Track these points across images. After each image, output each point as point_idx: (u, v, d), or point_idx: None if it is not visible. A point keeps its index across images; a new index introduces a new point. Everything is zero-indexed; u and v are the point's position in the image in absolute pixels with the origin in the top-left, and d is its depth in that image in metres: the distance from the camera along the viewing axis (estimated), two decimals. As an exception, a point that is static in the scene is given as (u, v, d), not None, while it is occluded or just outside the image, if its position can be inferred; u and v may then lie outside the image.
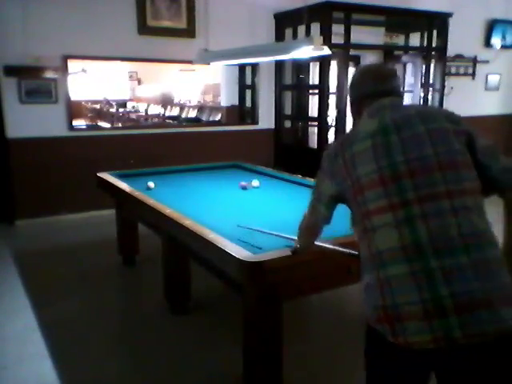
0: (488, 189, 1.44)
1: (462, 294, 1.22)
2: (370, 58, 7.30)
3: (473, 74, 8.25)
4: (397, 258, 1.30)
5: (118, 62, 6.11)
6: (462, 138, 1.41)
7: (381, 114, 1.45)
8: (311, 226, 1.72)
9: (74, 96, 5.56)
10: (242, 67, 6.66)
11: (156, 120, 10.05)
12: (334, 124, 6.31)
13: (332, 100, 6.13)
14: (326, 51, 3.06)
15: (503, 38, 8.29)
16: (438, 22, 6.53)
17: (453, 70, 7.86)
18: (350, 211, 1.49)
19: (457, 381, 1.32)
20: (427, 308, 1.23)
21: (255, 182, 3.68)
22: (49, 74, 5.15)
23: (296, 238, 1.90)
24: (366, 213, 1.38)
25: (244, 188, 3.59)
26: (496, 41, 8.20)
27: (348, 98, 1.67)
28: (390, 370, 1.40)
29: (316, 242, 1.89)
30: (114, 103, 10.88)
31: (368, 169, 1.37)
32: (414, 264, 1.27)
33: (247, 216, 2.92)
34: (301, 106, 6.62)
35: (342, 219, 2.86)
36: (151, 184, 3.58)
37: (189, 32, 5.75)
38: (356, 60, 7.33)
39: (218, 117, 8.17)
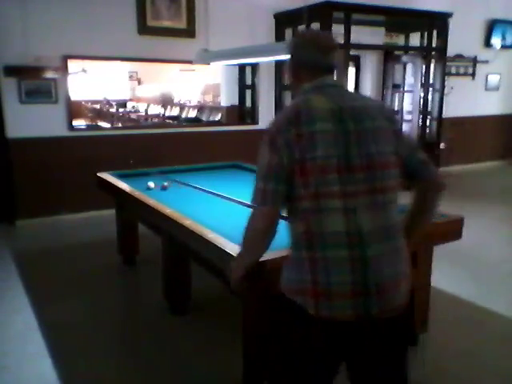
0: (408, 180, 1.59)
1: (383, 278, 1.43)
2: (369, 58, 7.31)
3: (473, 74, 8.25)
4: (339, 242, 1.41)
5: (118, 62, 6.11)
6: (393, 136, 1.51)
7: (330, 95, 1.49)
8: (271, 219, 1.49)
9: (74, 96, 5.57)
10: (241, 67, 6.66)
11: (156, 120, 10.05)
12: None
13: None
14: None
15: (503, 37, 8.30)
16: (437, 22, 6.53)
17: (453, 70, 7.87)
18: (279, 184, 1.44)
19: (366, 350, 1.49)
20: (356, 289, 1.40)
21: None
22: (49, 74, 5.14)
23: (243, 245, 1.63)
24: (314, 194, 1.41)
25: (165, 188, 3.56)
26: (496, 41, 8.20)
27: (288, 62, 1.61)
28: (305, 340, 1.49)
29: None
30: (114, 103, 10.88)
31: (327, 152, 1.40)
32: (353, 250, 1.40)
33: (247, 215, 2.92)
34: (301, 106, 6.62)
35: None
36: (151, 184, 3.59)
37: (189, 32, 5.75)
38: (356, 60, 7.34)
39: (218, 117, 8.17)
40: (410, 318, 1.51)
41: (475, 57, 8.16)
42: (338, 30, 5.74)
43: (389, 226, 1.46)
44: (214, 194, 2.93)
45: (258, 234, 1.55)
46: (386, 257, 1.44)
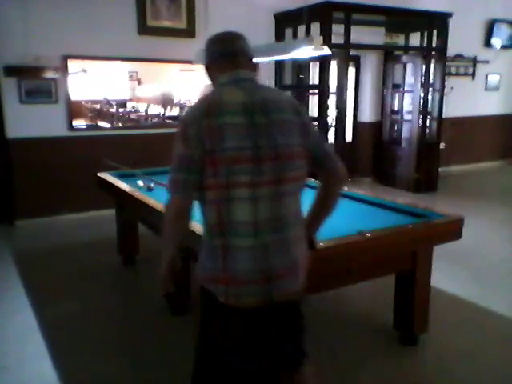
0: (314, 171, 1.68)
1: (281, 264, 1.52)
2: (369, 58, 7.31)
3: (473, 74, 8.25)
4: (247, 231, 1.48)
5: (118, 62, 6.09)
6: (300, 129, 1.58)
7: (242, 88, 1.56)
8: (184, 206, 1.54)
9: (74, 96, 5.56)
10: (242, 67, 6.65)
11: (156, 120, 10.04)
12: (334, 124, 6.31)
13: (332, 100, 6.13)
14: (326, 51, 3.06)
15: (503, 37, 8.29)
16: (437, 22, 6.53)
17: (453, 70, 7.87)
18: (190, 174, 1.49)
19: (271, 331, 1.61)
20: (260, 276, 1.49)
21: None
22: (49, 74, 5.15)
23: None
24: (225, 184, 1.47)
25: (151, 190, 3.48)
26: (496, 41, 8.20)
27: (204, 66, 1.71)
28: (218, 326, 1.58)
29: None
30: (114, 103, 10.86)
31: (238, 144, 1.47)
32: (258, 238, 1.49)
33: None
34: (301, 106, 6.61)
35: (341, 220, 2.86)
36: (140, 183, 3.58)
37: (189, 32, 5.75)
38: (356, 60, 7.34)
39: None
40: (301, 300, 1.66)
41: (475, 57, 8.16)
42: (338, 30, 5.75)
43: (285, 216, 1.54)
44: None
45: (170, 221, 1.57)
46: (285, 244, 1.53)
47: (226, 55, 1.62)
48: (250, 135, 1.48)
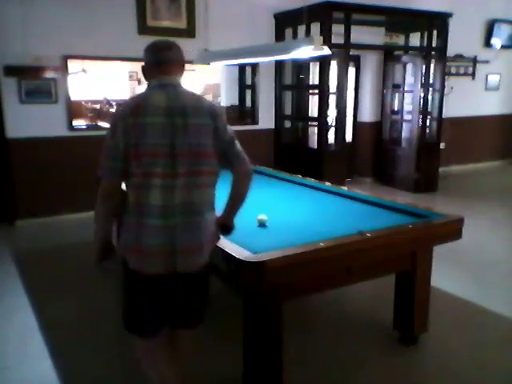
0: (226, 169, 1.96)
1: (186, 242, 1.81)
2: (369, 58, 7.31)
3: (473, 74, 8.25)
4: (158, 213, 1.78)
5: (118, 62, 6.09)
6: (213, 132, 1.86)
7: (167, 93, 1.83)
8: (111, 190, 1.85)
9: (74, 96, 5.55)
10: (242, 67, 6.66)
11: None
12: (334, 124, 6.31)
13: (332, 100, 6.13)
14: (326, 51, 3.05)
15: (503, 37, 8.29)
16: (438, 22, 6.53)
17: (453, 70, 7.87)
18: (116, 162, 1.80)
19: (178, 293, 1.93)
20: (165, 250, 1.79)
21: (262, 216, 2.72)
22: (49, 74, 5.15)
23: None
24: (144, 173, 1.77)
25: None
26: (496, 41, 8.20)
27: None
28: (129, 286, 1.93)
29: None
30: (114, 103, 10.86)
31: (156, 141, 1.76)
32: (167, 219, 1.78)
33: (247, 215, 2.92)
34: (301, 106, 6.62)
35: (341, 220, 2.86)
36: None
37: (189, 32, 5.75)
38: (356, 60, 7.34)
39: (218, 117, 8.15)
40: (208, 271, 2.00)
41: (475, 57, 8.16)
42: (338, 30, 5.75)
43: (197, 203, 1.83)
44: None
45: (101, 201, 1.86)
46: (190, 226, 1.82)
47: (155, 63, 1.89)
48: (169, 134, 1.77)
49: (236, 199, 2.02)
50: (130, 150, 1.77)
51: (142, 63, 1.94)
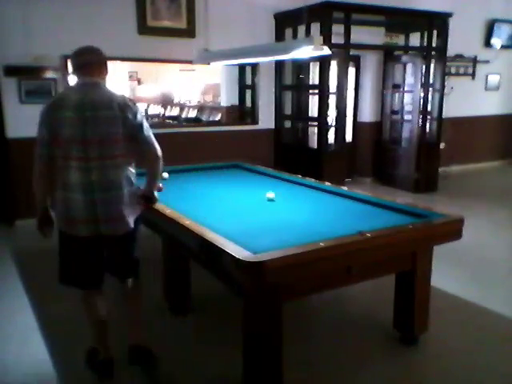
0: (138, 153, 2.41)
1: (107, 213, 2.29)
2: (369, 58, 7.31)
3: (473, 74, 8.25)
4: (78, 190, 2.25)
5: (118, 62, 6.09)
6: (122, 122, 2.28)
7: (83, 92, 2.29)
8: (41, 170, 2.30)
9: (74, 96, 5.55)
10: (242, 67, 6.66)
11: (156, 120, 10.04)
12: (334, 124, 6.31)
13: (332, 100, 6.13)
14: (326, 51, 3.05)
15: (503, 37, 8.29)
16: (438, 22, 6.53)
17: (453, 70, 7.87)
18: (43, 149, 2.29)
19: (103, 252, 2.43)
20: (88, 219, 2.28)
21: (270, 194, 3.27)
22: (49, 74, 5.14)
23: None
24: (64, 156, 2.27)
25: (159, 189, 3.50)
26: (496, 41, 8.20)
27: None
28: (64, 246, 2.41)
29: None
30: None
31: (69, 131, 2.23)
32: (85, 194, 2.25)
33: (247, 215, 2.92)
34: (301, 106, 6.62)
35: (341, 220, 2.86)
36: (165, 174, 3.75)
37: (189, 32, 5.75)
38: (356, 60, 7.34)
39: (218, 117, 8.16)
40: (134, 235, 2.46)
41: (475, 57, 8.16)
42: (338, 30, 5.75)
43: (112, 181, 2.29)
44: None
45: (34, 182, 2.33)
46: (108, 200, 2.28)
47: (77, 66, 2.38)
48: (79, 125, 2.23)
49: (150, 176, 2.46)
50: (52, 139, 2.25)
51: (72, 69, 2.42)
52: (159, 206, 2.94)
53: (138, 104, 2.41)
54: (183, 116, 9.94)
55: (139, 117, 2.33)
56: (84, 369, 2.58)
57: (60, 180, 2.29)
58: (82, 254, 2.38)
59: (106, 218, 2.27)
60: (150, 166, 2.42)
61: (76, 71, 2.37)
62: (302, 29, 5.85)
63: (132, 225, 2.37)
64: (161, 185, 3.54)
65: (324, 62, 5.83)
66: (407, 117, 7.01)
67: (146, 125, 2.37)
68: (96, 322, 2.54)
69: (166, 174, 3.74)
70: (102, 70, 2.40)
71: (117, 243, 2.39)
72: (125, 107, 2.29)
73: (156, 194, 2.51)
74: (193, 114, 9.73)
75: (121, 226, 2.33)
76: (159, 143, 2.47)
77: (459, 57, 7.90)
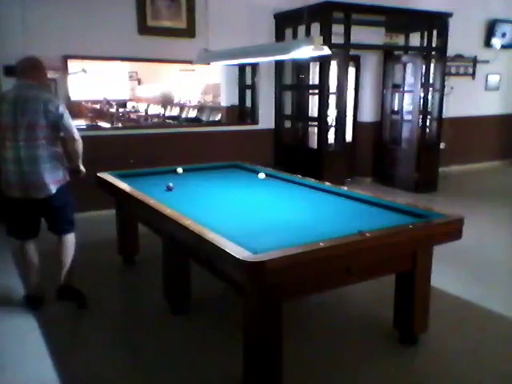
0: (61, 137, 3.20)
1: (34, 181, 3.07)
2: (369, 58, 7.31)
3: (473, 74, 8.25)
4: (11, 163, 3.05)
5: (118, 62, 6.10)
6: (44, 113, 3.02)
7: (19, 90, 3.09)
8: None
9: (74, 96, 5.56)
10: (242, 67, 6.66)
11: (156, 120, 10.04)
12: (333, 124, 6.31)
13: (332, 100, 6.13)
14: (326, 51, 3.05)
15: (503, 37, 8.29)
16: (438, 22, 6.53)
17: (453, 70, 7.87)
18: None
19: (35, 211, 3.22)
20: (19, 185, 3.07)
21: (261, 175, 3.99)
22: (49, 74, 5.12)
23: None
24: (3, 137, 3.05)
25: (169, 189, 3.51)
26: (496, 41, 8.20)
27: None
28: (9, 208, 3.22)
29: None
30: (113, 103, 10.86)
31: (6, 119, 3.02)
32: (19, 167, 3.04)
33: (247, 215, 2.92)
34: (301, 106, 6.62)
35: (341, 220, 2.86)
36: (180, 170, 4.21)
37: (189, 32, 5.75)
38: (356, 60, 7.34)
39: (218, 117, 8.16)
40: (60, 200, 3.23)
41: (475, 57, 8.16)
42: (338, 30, 5.75)
43: (36, 157, 3.04)
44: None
45: None
46: (33, 171, 3.05)
47: (18, 72, 3.18)
48: (13, 115, 3.00)
49: (71, 155, 3.25)
50: None
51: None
52: (159, 205, 2.94)
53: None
54: (183, 116, 9.94)
55: (61, 109, 3.07)
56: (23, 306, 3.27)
57: (2, 156, 3.09)
58: (18, 211, 3.18)
59: (31, 184, 3.06)
60: (70, 146, 3.20)
61: (17, 74, 3.18)
62: (301, 29, 5.85)
63: (54, 191, 3.12)
64: (171, 184, 3.52)
65: (324, 62, 5.83)
66: (407, 117, 7.00)
67: (66, 115, 3.09)
68: (29, 266, 3.34)
69: (180, 169, 4.21)
70: (37, 74, 3.17)
71: (45, 205, 3.16)
72: (48, 102, 3.03)
73: (82, 167, 3.33)
74: (193, 114, 9.73)
75: (42, 191, 3.09)
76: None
77: (459, 57, 7.90)
